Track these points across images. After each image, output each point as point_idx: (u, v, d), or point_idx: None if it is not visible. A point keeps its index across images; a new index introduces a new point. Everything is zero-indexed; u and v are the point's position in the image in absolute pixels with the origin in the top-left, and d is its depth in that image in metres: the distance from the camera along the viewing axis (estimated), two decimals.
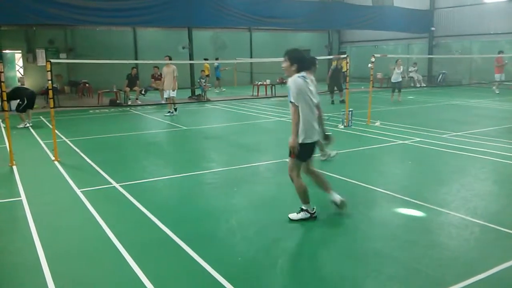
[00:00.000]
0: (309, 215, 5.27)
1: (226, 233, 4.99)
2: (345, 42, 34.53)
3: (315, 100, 5.17)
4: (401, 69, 18.09)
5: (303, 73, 5.05)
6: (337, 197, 5.44)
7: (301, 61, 5.10)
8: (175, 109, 15.13)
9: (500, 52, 20.52)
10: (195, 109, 17.14)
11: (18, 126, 12.69)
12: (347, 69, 27.41)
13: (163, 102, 17.52)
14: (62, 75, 24.68)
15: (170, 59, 15.15)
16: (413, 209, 5.66)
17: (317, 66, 7.28)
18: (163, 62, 15.46)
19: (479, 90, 22.59)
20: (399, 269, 4.09)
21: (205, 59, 24.74)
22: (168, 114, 14.95)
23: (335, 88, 17.98)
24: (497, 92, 20.85)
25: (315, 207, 5.31)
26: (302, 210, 5.28)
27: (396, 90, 18.21)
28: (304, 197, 5.24)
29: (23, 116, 13.02)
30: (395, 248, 4.56)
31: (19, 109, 13.06)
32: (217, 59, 14.46)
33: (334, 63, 18.39)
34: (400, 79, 18.23)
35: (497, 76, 20.78)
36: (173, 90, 14.88)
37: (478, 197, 6.10)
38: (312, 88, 5.12)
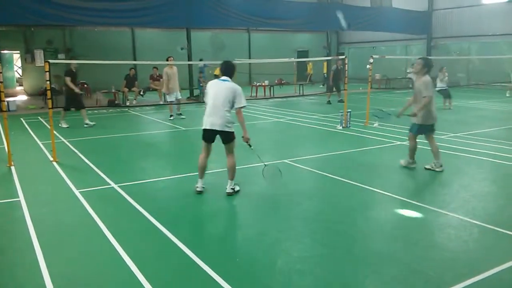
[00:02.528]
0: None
1: (225, 233, 4.99)
2: (344, 43, 34.57)
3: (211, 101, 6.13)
4: (446, 76, 16.36)
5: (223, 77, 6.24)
6: (228, 187, 6.33)
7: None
8: (180, 114, 14.62)
9: None
10: (194, 110, 17.12)
11: (64, 126, 12.62)
12: (311, 73, 27.28)
13: (161, 102, 17.44)
14: (61, 76, 24.62)
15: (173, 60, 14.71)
16: (412, 210, 5.66)
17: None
18: (162, 63, 15.04)
19: (477, 91, 22.61)
20: (399, 270, 4.09)
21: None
22: (172, 118, 14.28)
23: (334, 89, 18.36)
24: (507, 95, 20.00)
25: (199, 186, 6.34)
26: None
27: (443, 97, 16.13)
28: (199, 172, 6.42)
29: (63, 115, 12.85)
30: (394, 249, 4.56)
31: (70, 106, 12.80)
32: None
33: (334, 65, 18.88)
34: (446, 87, 16.24)
35: None
36: (180, 92, 14.51)
37: (477, 198, 6.11)
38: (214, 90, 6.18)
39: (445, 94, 16.05)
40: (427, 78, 7.27)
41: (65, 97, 13.06)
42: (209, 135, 6.23)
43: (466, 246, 4.63)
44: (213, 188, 6.86)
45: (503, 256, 4.29)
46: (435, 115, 7.37)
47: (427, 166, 7.52)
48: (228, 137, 6.20)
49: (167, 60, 14.29)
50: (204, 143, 6.33)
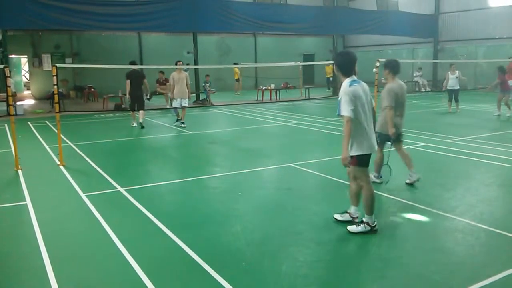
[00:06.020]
0: (369, 228, 4.95)
1: (231, 238, 4.98)
2: (350, 46, 34.50)
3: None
4: (457, 74, 15.44)
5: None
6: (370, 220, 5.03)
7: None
8: (183, 122, 13.70)
9: None
10: (200, 114, 17.18)
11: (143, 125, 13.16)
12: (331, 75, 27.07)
13: (168, 106, 17.46)
14: (68, 80, 24.81)
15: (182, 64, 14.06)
16: (418, 214, 5.64)
17: None
18: (168, 67, 14.90)
19: (484, 95, 22.46)
20: (404, 275, 4.07)
21: (235, 63, 24.97)
22: (178, 122, 13.95)
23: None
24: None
25: (376, 220, 5.04)
26: (362, 222, 5.01)
27: (453, 99, 15.48)
28: (371, 207, 4.97)
29: (142, 114, 13.21)
30: (400, 254, 4.54)
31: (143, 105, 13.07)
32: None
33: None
34: (458, 87, 15.46)
35: None
36: (188, 99, 13.67)
37: (483, 202, 6.07)
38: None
39: (455, 95, 15.41)
40: (389, 85, 6.63)
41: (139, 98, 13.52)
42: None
43: (472, 250, 4.60)
44: (219, 192, 6.87)
45: (511, 261, 4.26)
46: (398, 122, 6.58)
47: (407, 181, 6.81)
48: None
49: (175, 64, 13.55)
50: (365, 168, 5.07)
